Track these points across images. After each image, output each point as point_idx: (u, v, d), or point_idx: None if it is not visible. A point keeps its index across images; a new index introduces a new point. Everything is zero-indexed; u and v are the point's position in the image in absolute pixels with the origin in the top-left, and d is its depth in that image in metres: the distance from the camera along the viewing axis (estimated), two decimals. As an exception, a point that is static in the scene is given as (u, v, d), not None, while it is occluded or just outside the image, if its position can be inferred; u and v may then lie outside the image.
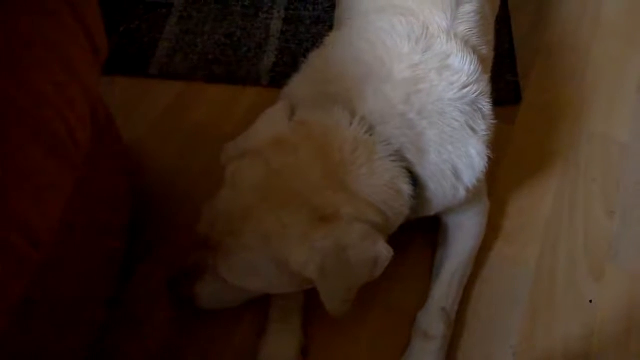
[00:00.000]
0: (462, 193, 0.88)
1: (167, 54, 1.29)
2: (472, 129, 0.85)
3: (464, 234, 0.99)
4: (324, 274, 0.76)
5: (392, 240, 0.85)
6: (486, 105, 0.87)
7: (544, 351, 0.94)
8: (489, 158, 0.87)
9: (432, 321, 0.92)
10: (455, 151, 0.85)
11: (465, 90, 0.84)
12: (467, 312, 0.97)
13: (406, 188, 0.83)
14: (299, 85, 0.93)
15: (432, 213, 0.93)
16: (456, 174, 0.86)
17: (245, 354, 0.92)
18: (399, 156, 0.82)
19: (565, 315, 0.99)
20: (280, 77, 1.25)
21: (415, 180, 0.84)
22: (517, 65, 1.25)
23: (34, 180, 0.56)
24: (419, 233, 1.02)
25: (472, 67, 0.86)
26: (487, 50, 0.94)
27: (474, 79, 0.85)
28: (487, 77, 0.90)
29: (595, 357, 0.94)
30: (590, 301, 1.00)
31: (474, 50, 0.88)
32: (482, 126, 0.86)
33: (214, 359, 0.93)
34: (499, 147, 0.92)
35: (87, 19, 0.61)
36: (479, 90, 0.86)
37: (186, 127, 1.18)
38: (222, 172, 0.84)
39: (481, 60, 0.89)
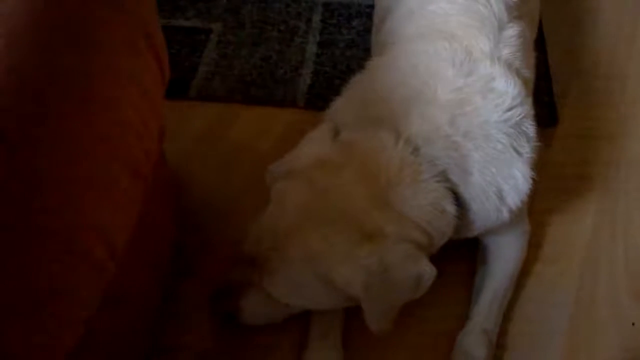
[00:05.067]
0: (505, 215, 0.88)
1: (206, 77, 1.33)
2: (517, 151, 0.86)
3: (505, 255, 0.99)
4: (368, 292, 0.77)
5: (432, 261, 0.86)
6: (530, 128, 0.88)
7: (587, 375, 0.93)
8: (533, 180, 0.88)
9: (474, 343, 0.92)
10: (500, 173, 0.86)
11: (510, 113, 0.86)
12: (507, 335, 0.97)
13: (450, 209, 0.83)
14: (342, 108, 0.95)
15: (475, 234, 0.94)
16: (500, 196, 0.87)
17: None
18: (444, 177, 0.83)
19: (607, 339, 0.97)
20: (315, 98, 1.27)
21: (459, 201, 0.85)
22: (553, 88, 1.26)
23: (114, 195, 0.59)
24: (461, 255, 1.02)
25: (516, 90, 0.87)
26: (529, 73, 0.95)
27: (518, 101, 0.87)
28: (530, 99, 0.91)
29: (641, 382, 0.92)
30: (633, 324, 0.99)
31: (517, 73, 0.90)
32: (527, 148, 0.87)
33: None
34: (538, 168, 0.93)
35: (157, 44, 0.65)
36: (523, 112, 0.87)
37: (225, 148, 1.21)
38: (267, 192, 0.86)
39: (524, 82, 0.90)
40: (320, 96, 1.25)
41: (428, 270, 0.79)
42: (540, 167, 0.97)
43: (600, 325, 0.99)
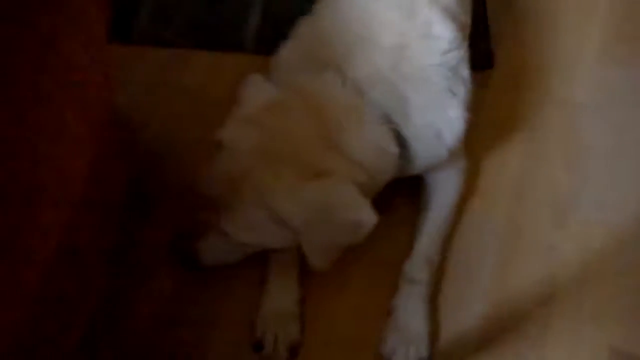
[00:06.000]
0: (444, 153, 0.95)
1: (149, 19, 1.29)
2: (453, 94, 0.92)
3: (446, 189, 1.07)
4: (307, 227, 0.82)
5: (378, 199, 0.93)
6: (465, 71, 0.94)
7: (512, 291, 1.05)
8: (468, 120, 0.95)
9: (418, 269, 1.00)
10: (437, 115, 0.92)
11: (446, 57, 0.91)
12: (447, 260, 1.07)
13: (393, 149, 0.90)
14: (289, 52, 0.98)
15: (416, 172, 1.01)
16: (438, 136, 0.93)
17: (247, 308, 0.99)
18: (387, 119, 0.89)
19: (530, 260, 1.09)
20: (264, 43, 1.27)
21: (401, 141, 0.91)
22: (490, 31, 1.32)
23: (67, 138, 0.61)
24: (404, 191, 1.10)
25: (453, 35, 0.92)
26: (466, 18, 1.00)
27: (454, 45, 0.92)
28: (466, 43, 0.97)
29: (559, 296, 1.05)
30: (554, 248, 1.10)
31: (454, 18, 0.94)
32: (462, 91, 0.93)
33: (216, 314, 0.99)
34: (475, 110, 0.99)
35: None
36: (459, 56, 0.93)
37: (176, 95, 1.21)
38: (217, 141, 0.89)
39: (461, 27, 0.95)
40: (269, 40, 1.25)
41: (368, 218, 0.84)
42: (477, 107, 1.05)
43: (525, 249, 1.10)
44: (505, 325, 1.02)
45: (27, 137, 0.60)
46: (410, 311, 0.98)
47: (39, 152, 0.62)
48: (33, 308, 0.64)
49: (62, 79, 0.65)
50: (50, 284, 0.67)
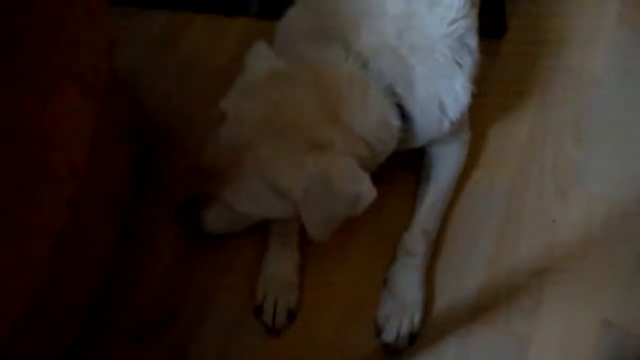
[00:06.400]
0: (446, 125, 0.94)
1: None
2: (459, 65, 0.90)
3: (446, 162, 1.07)
4: (307, 199, 0.82)
5: (380, 170, 0.94)
6: (473, 41, 0.92)
7: (510, 262, 1.06)
8: (473, 93, 0.93)
9: (415, 240, 1.02)
10: (442, 86, 0.90)
11: (454, 27, 0.88)
12: (446, 231, 1.08)
13: (395, 122, 0.89)
14: (294, 19, 0.96)
15: (418, 145, 1.00)
16: (442, 108, 0.92)
17: (248, 274, 1.02)
18: (390, 91, 0.88)
19: (530, 232, 1.09)
20: (269, 7, 1.25)
21: (403, 114, 0.90)
22: (503, -2, 1.28)
23: (68, 110, 0.62)
24: (405, 164, 1.10)
25: (461, 3, 0.89)
26: (477, -15, 0.97)
27: (462, 14, 0.89)
28: (475, 11, 0.93)
29: (555, 268, 1.06)
30: (554, 220, 1.11)
31: (463, -16, 0.91)
32: (468, 61, 0.91)
33: (218, 280, 1.02)
34: (483, 79, 0.98)
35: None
36: (467, 25, 0.90)
37: (178, 60, 1.20)
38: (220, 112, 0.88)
39: (470, -6, 0.92)
40: (274, 4, 1.23)
41: (367, 191, 0.84)
42: (484, 77, 1.03)
43: (526, 221, 1.11)
44: (500, 296, 1.04)
45: (29, 112, 0.61)
46: (406, 281, 1.00)
47: (38, 125, 0.63)
48: (44, 278, 0.66)
49: (60, 48, 0.65)
50: (60, 255, 0.69)
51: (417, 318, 0.98)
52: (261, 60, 0.89)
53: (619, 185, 1.14)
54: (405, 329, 0.97)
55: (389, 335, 0.97)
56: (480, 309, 1.02)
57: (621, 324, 1.02)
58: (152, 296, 1.00)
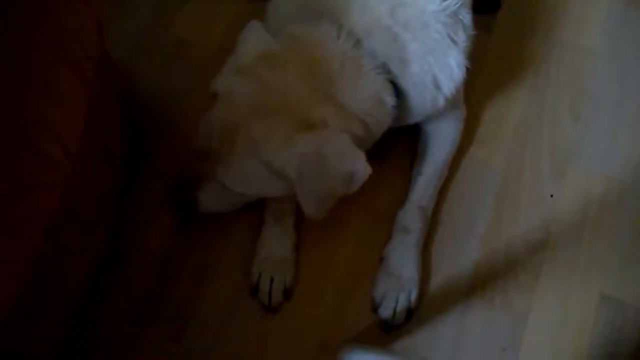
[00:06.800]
0: (441, 102, 0.94)
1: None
2: (453, 40, 0.89)
3: (442, 139, 1.07)
4: (301, 176, 0.82)
5: (375, 148, 0.93)
6: (466, 17, 0.91)
7: (506, 238, 1.07)
8: (467, 69, 0.92)
9: (410, 218, 1.02)
10: (436, 62, 0.90)
11: (446, 3, 0.88)
12: (442, 209, 1.08)
13: (390, 99, 0.89)
14: (285, -1, 0.95)
15: (413, 122, 1.00)
16: (436, 84, 0.92)
17: (244, 253, 1.02)
18: (384, 69, 0.87)
19: (527, 208, 1.10)
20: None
21: (398, 92, 0.90)
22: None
23: (60, 95, 0.61)
24: (401, 141, 1.10)
25: (454, -22, 0.88)
26: (468, -40, 0.95)
27: (455, -11, 0.88)
28: (468, -13, 0.93)
29: (552, 244, 1.07)
30: (551, 196, 1.11)
31: (456, -40, 0.90)
32: (462, 37, 0.90)
33: (213, 260, 1.03)
34: (477, 56, 0.97)
35: None
36: (460, 1, 0.89)
37: (170, 42, 1.19)
38: (212, 92, 0.88)
39: (463, -31, 0.91)
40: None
41: (362, 169, 0.84)
42: (479, 54, 1.02)
43: (522, 197, 1.11)
44: (497, 272, 1.04)
45: (20, 95, 0.61)
46: (402, 258, 1.00)
47: (32, 110, 0.63)
48: (37, 262, 0.67)
49: (52, 34, 0.65)
50: (53, 239, 0.70)
51: (413, 295, 0.98)
52: (253, 39, 0.88)
53: (615, 161, 1.14)
54: (401, 306, 0.97)
55: (385, 312, 0.98)
56: (477, 285, 1.03)
57: (619, 297, 1.02)
58: (148, 279, 1.01)
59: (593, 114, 1.18)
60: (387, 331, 0.98)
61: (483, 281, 1.03)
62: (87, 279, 0.88)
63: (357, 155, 0.84)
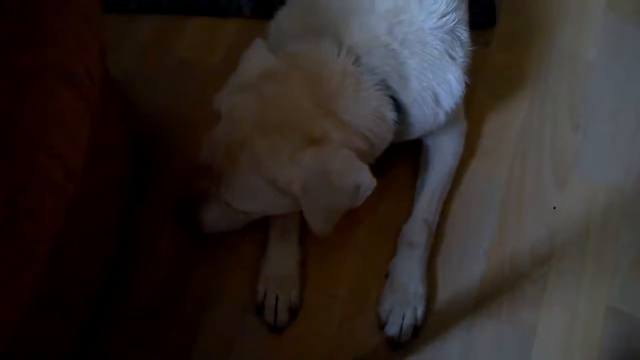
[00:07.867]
0: (441, 117, 0.95)
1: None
2: (451, 57, 0.90)
3: (444, 153, 1.07)
4: (307, 193, 0.82)
5: (377, 163, 0.94)
6: (464, 33, 0.92)
7: (512, 251, 1.07)
8: (466, 84, 0.93)
9: (415, 231, 1.02)
10: (435, 78, 0.91)
11: (444, 19, 0.89)
12: (446, 223, 1.08)
13: (390, 115, 0.89)
14: (285, 18, 0.96)
15: (414, 137, 1.00)
16: (436, 100, 0.92)
17: (249, 271, 1.02)
18: (384, 85, 0.88)
19: (531, 220, 1.10)
20: (261, 7, 1.25)
21: (398, 107, 0.90)
22: (494, -12, 1.28)
23: (62, 115, 0.62)
24: (403, 156, 1.10)
25: (451, -5, 0.89)
26: (465, -23, 0.97)
27: (452, 7, 0.89)
28: (464, 4, 0.94)
29: (558, 255, 1.06)
30: (554, 207, 1.11)
31: (452, -22, 0.91)
32: (460, 53, 0.91)
33: (218, 278, 1.02)
34: (476, 70, 0.98)
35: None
36: (457, 18, 0.90)
37: (172, 62, 1.20)
38: (215, 111, 0.89)
39: (459, -13, 0.92)
40: (266, 4, 1.23)
41: (367, 181, 0.84)
42: (478, 67, 1.02)
43: (526, 209, 1.11)
44: (503, 285, 1.04)
45: (22, 117, 0.61)
46: (408, 273, 1.00)
47: (34, 131, 0.63)
48: (42, 283, 0.66)
49: (53, 53, 0.65)
50: (59, 256, 0.70)
51: (420, 311, 0.98)
52: (256, 57, 0.89)
53: (617, 170, 1.14)
54: (408, 322, 0.97)
55: (392, 329, 0.97)
56: (483, 300, 1.02)
57: (627, 310, 1.01)
58: (150, 298, 1.00)
59: (593, 123, 1.19)
60: (395, 348, 0.97)
61: (490, 295, 1.03)
62: (91, 298, 0.87)
63: (361, 168, 0.85)
